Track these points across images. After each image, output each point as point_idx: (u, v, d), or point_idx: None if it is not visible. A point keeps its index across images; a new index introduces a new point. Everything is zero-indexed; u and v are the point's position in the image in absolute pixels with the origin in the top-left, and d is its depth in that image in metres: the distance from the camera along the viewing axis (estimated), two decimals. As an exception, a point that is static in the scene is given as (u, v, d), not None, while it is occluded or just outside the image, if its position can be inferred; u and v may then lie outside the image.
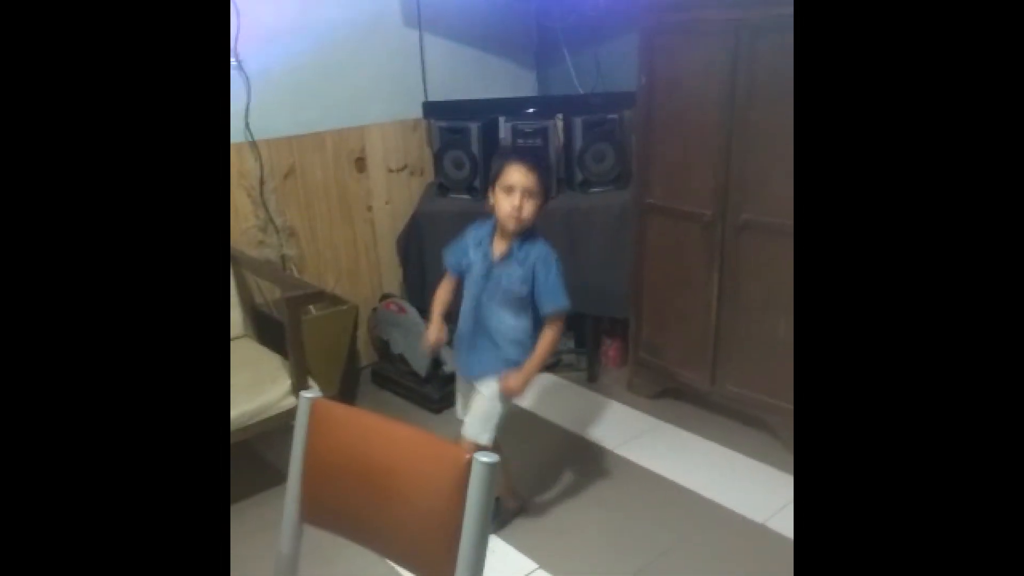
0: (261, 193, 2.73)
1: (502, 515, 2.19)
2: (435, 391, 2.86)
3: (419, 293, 3.01)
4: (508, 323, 1.95)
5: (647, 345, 2.84)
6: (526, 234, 1.92)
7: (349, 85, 2.92)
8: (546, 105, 3.11)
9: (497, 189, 1.89)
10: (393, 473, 1.09)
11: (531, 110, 3.03)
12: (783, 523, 2.15)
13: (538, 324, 1.96)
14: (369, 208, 3.09)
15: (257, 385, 2.19)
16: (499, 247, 1.93)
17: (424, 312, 2.89)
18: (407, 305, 2.92)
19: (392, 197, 3.14)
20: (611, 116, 2.88)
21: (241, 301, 2.63)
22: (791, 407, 2.39)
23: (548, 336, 1.94)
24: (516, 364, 1.94)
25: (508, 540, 2.13)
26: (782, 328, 2.37)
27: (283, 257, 2.84)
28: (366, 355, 3.18)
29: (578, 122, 2.88)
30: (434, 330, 2.02)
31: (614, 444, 2.60)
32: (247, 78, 2.61)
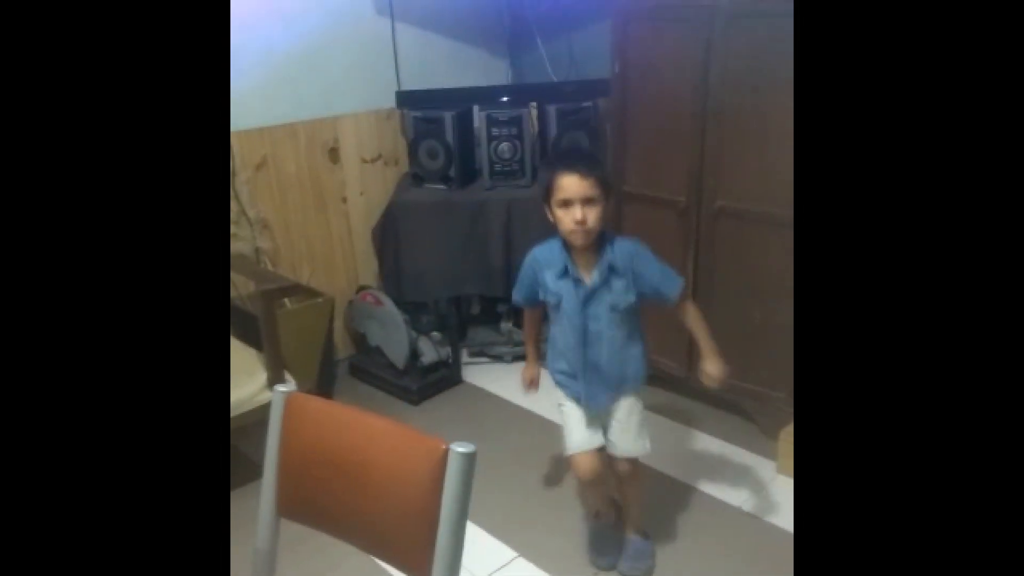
0: (233, 185, 2.70)
1: (639, 551, 2.00)
2: (413, 383, 2.85)
3: (395, 284, 3.00)
4: (618, 342, 1.81)
5: (624, 333, 2.84)
6: (601, 239, 1.74)
7: (321, 75, 2.89)
8: (520, 93, 3.11)
9: (553, 205, 1.70)
10: (369, 466, 1.09)
11: (505, 99, 3.02)
12: (760, 507, 2.18)
13: (641, 331, 1.88)
14: (343, 199, 3.06)
15: (233, 379, 2.17)
16: (587, 269, 1.75)
17: (400, 304, 2.89)
18: (383, 297, 2.90)
19: (367, 188, 3.12)
20: (585, 104, 2.88)
21: (215, 295, 2.60)
22: (767, 392, 2.42)
23: (694, 312, 1.87)
24: (639, 379, 1.88)
25: (486, 529, 2.14)
26: (757, 314, 2.39)
27: (257, 250, 2.81)
28: (343, 348, 3.16)
29: (552, 110, 2.88)
30: (530, 370, 1.98)
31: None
32: (217, 69, 2.57)
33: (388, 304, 2.87)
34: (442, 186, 2.95)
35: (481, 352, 3.14)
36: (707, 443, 2.52)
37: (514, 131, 2.88)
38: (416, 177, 2.99)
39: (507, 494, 2.26)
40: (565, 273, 1.76)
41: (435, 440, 1.04)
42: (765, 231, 2.27)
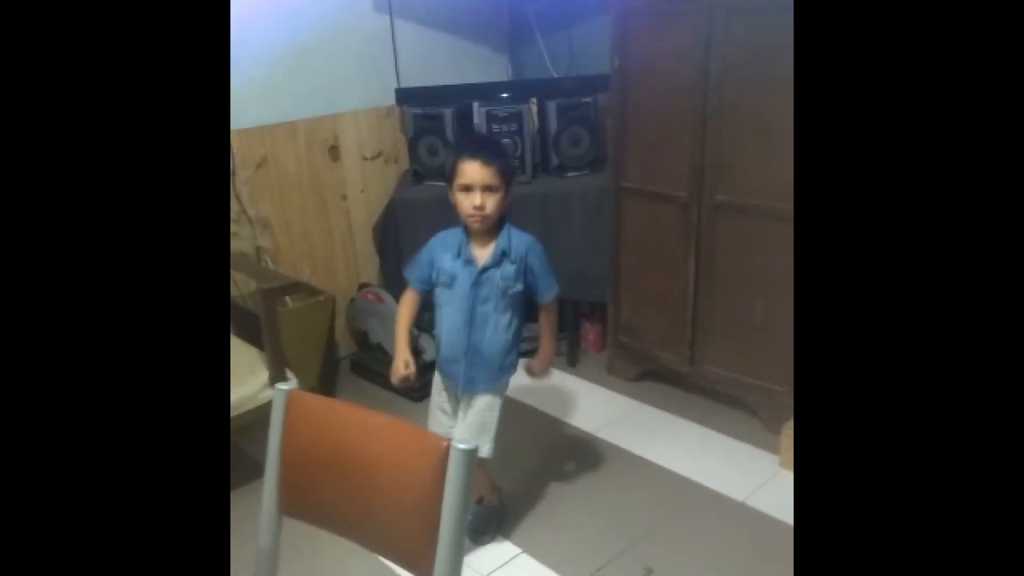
0: (234, 184, 2.70)
1: (485, 515, 2.11)
2: (415, 380, 2.85)
3: (396, 281, 2.99)
4: (502, 326, 1.86)
5: (626, 328, 2.85)
6: (500, 226, 1.82)
7: (321, 73, 2.88)
8: (520, 89, 3.10)
9: (455, 189, 1.78)
10: (371, 463, 1.08)
11: (505, 95, 3.01)
12: (763, 501, 2.18)
13: (521, 320, 1.91)
14: (344, 197, 3.06)
15: (235, 378, 2.17)
16: (481, 251, 1.82)
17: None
18: (384, 294, 2.90)
19: (367, 185, 3.11)
20: (585, 100, 2.87)
21: (216, 294, 2.61)
22: (768, 386, 2.42)
23: (552, 319, 1.95)
24: (507, 370, 1.91)
25: (491, 526, 2.14)
26: (759, 308, 2.38)
27: (257, 249, 2.81)
28: (345, 345, 3.16)
29: (552, 106, 2.87)
30: (402, 362, 1.90)
31: (595, 427, 2.61)
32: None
33: (389, 301, 2.87)
34: (442, 183, 2.93)
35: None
36: (709, 437, 2.52)
37: (514, 127, 2.87)
38: (416, 174, 2.99)
39: (509, 490, 2.26)
40: (459, 254, 1.83)
41: (437, 436, 1.03)
42: (766, 225, 2.26)
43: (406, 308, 1.95)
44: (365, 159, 3.09)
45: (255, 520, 1.23)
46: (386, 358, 2.93)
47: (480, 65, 3.38)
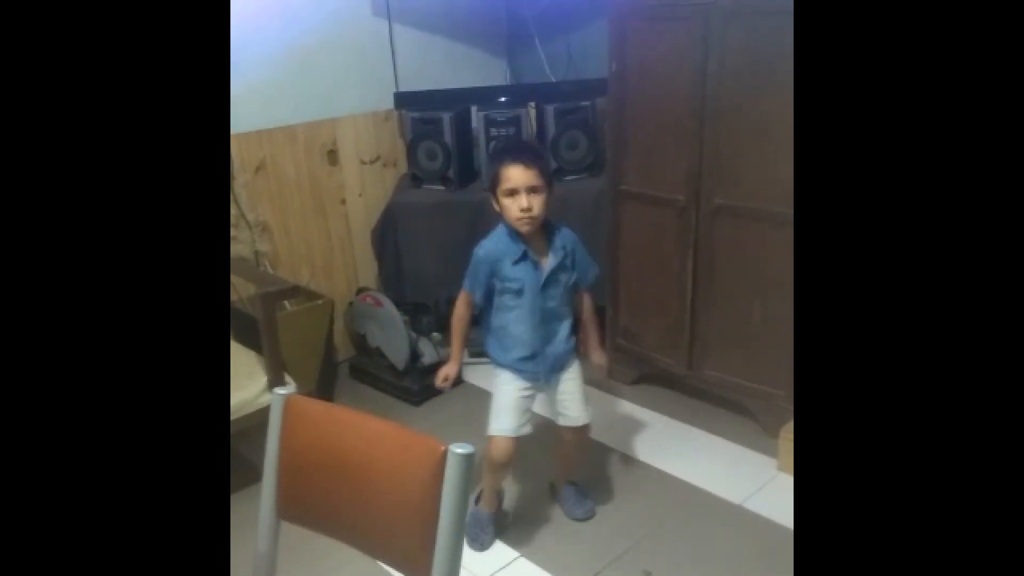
0: (232, 188, 2.70)
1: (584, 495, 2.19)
2: (414, 383, 2.85)
3: (395, 286, 3.00)
4: (566, 315, 1.97)
5: (624, 331, 2.85)
6: (548, 225, 1.90)
7: (319, 77, 2.89)
8: (518, 93, 3.11)
9: (500, 195, 1.83)
10: (369, 467, 1.09)
11: (503, 99, 3.02)
12: (761, 504, 2.18)
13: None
14: (343, 201, 3.06)
15: (234, 382, 2.17)
16: (541, 253, 1.89)
17: (400, 305, 2.89)
18: (383, 298, 2.90)
19: (366, 189, 3.12)
20: (583, 103, 2.88)
21: (215, 298, 2.61)
22: (767, 390, 2.42)
23: (592, 303, 2.06)
24: (575, 345, 2.01)
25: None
26: (757, 311, 2.39)
27: (256, 253, 2.81)
28: (344, 349, 3.16)
29: (550, 110, 2.88)
30: (454, 366, 2.02)
31: (593, 431, 2.60)
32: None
33: (388, 305, 2.87)
34: (441, 187, 2.95)
35: (481, 352, 3.12)
36: (708, 441, 2.52)
37: (512, 131, 2.88)
38: (415, 178, 2.99)
39: (509, 494, 2.26)
40: (523, 258, 1.86)
41: (433, 441, 1.04)
42: (764, 229, 2.27)
43: (462, 309, 2.00)
44: (364, 163, 3.10)
45: (254, 524, 1.23)
46: (384, 362, 2.94)
47: (478, 69, 3.39)
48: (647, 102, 2.49)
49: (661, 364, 2.76)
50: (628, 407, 2.76)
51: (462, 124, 2.96)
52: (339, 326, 3.08)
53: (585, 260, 1.97)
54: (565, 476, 2.20)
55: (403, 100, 3.03)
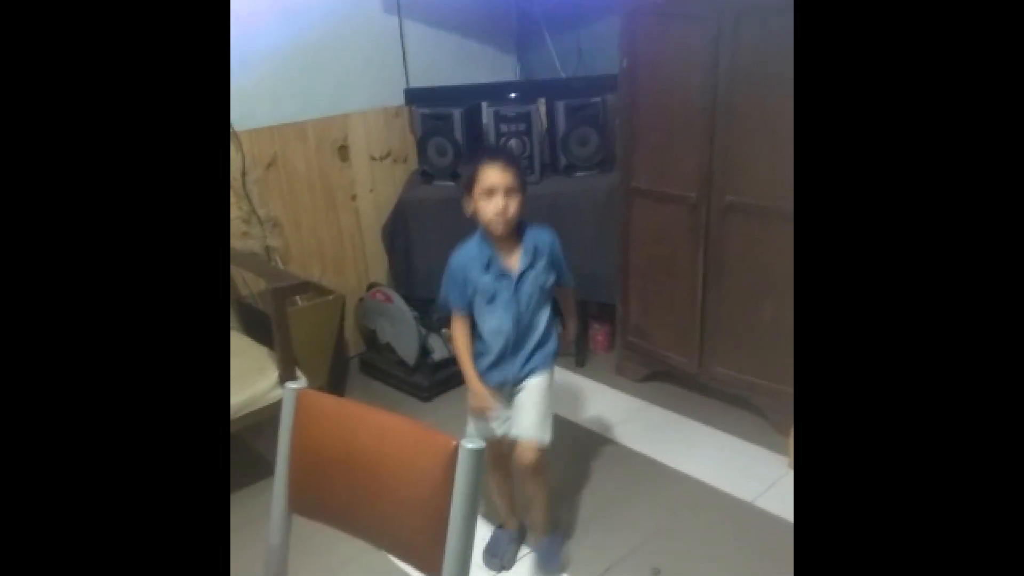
0: (244, 184, 2.71)
1: (551, 549, 2.05)
2: (424, 379, 2.86)
3: (405, 281, 3.01)
4: (543, 317, 1.89)
5: (634, 329, 2.84)
6: (520, 229, 1.83)
7: (330, 73, 2.90)
8: (528, 89, 3.10)
9: (476, 195, 1.78)
10: (380, 462, 1.09)
11: (513, 95, 3.02)
12: (772, 502, 2.17)
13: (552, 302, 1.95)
14: (353, 197, 3.07)
15: (245, 377, 2.19)
16: (511, 259, 1.82)
17: (411, 300, 2.90)
18: (393, 294, 2.91)
19: (376, 185, 3.12)
20: (594, 100, 2.87)
21: (226, 293, 2.62)
22: (777, 387, 2.41)
23: (573, 300, 2.04)
24: (551, 353, 1.91)
25: (498, 526, 2.14)
26: (768, 309, 2.38)
27: (267, 248, 2.82)
28: (354, 345, 3.17)
29: (561, 106, 2.87)
30: (479, 397, 1.86)
31: (603, 428, 2.62)
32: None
33: (398, 301, 2.88)
34: (451, 183, 2.95)
35: (491, 349, 3.14)
36: (718, 439, 2.51)
37: (522, 127, 2.87)
38: (425, 174, 2.99)
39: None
40: (490, 265, 1.81)
41: (445, 436, 1.04)
42: (775, 226, 2.26)
43: (463, 337, 1.89)
44: (374, 159, 3.10)
45: (265, 518, 1.23)
46: (395, 357, 2.94)
47: (489, 65, 3.38)
48: (658, 98, 2.49)
49: (671, 361, 2.75)
50: (638, 404, 2.76)
51: (472, 120, 2.95)
52: (350, 322, 3.09)
53: (563, 263, 1.91)
54: (534, 523, 2.05)
55: (413, 96, 3.03)
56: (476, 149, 2.81)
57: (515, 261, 1.83)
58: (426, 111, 2.93)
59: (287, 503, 1.21)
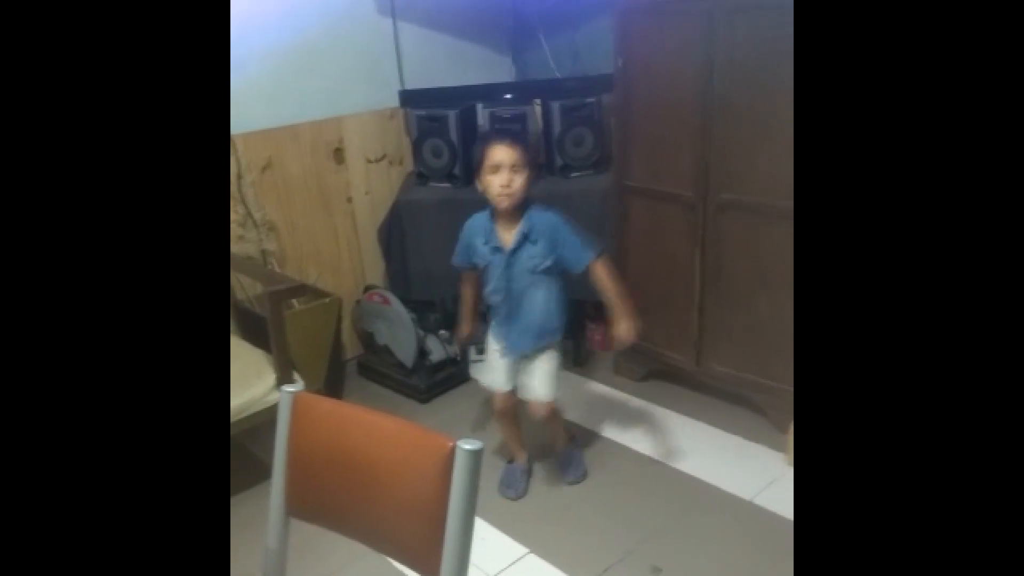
0: (239, 188, 2.71)
1: (571, 459, 2.34)
2: (422, 381, 2.86)
3: (402, 283, 3.00)
4: (539, 300, 2.02)
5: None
6: (524, 208, 1.96)
7: (324, 76, 2.89)
8: (523, 90, 3.09)
9: (484, 174, 1.93)
10: (377, 464, 1.09)
11: (508, 96, 3.01)
12: (771, 500, 2.17)
13: (564, 289, 2.07)
14: (349, 199, 3.07)
15: (242, 380, 2.18)
16: (506, 235, 1.98)
17: (408, 302, 2.89)
18: (391, 296, 2.91)
19: (372, 188, 3.12)
20: (589, 100, 2.87)
21: (223, 297, 2.62)
22: (776, 385, 2.41)
23: (606, 274, 2.00)
24: (558, 331, 2.09)
25: (498, 526, 2.14)
26: (765, 307, 2.38)
27: (263, 252, 2.81)
28: (351, 347, 3.17)
29: (556, 106, 2.87)
30: (465, 326, 2.22)
31: (601, 427, 2.61)
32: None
33: (395, 303, 2.87)
34: (447, 184, 2.95)
35: (484, 350, 3.13)
36: (717, 436, 2.51)
37: (518, 128, 2.87)
38: (421, 176, 2.99)
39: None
40: (487, 240, 2.01)
41: (442, 437, 1.04)
42: (772, 224, 2.26)
43: (466, 290, 2.18)
44: (369, 161, 3.10)
45: (263, 521, 1.23)
46: (392, 359, 2.94)
47: (484, 66, 3.38)
48: (653, 97, 2.49)
49: (669, 360, 2.75)
50: (637, 403, 2.76)
51: (468, 121, 2.95)
52: (347, 324, 3.08)
53: (571, 246, 1.98)
54: (555, 443, 2.35)
55: (408, 98, 3.03)
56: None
57: (510, 238, 1.98)
58: (421, 113, 2.93)
59: (284, 506, 1.21)
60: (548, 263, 1.98)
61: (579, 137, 2.88)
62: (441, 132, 2.89)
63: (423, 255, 2.94)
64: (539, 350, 2.09)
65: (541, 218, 1.98)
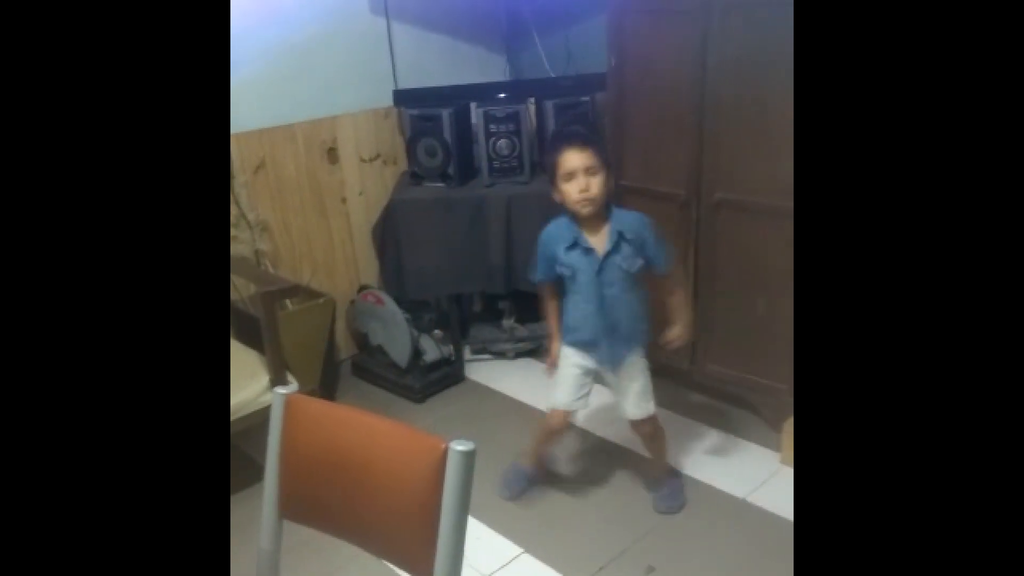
0: (232, 188, 2.70)
1: (671, 487, 2.21)
2: (416, 381, 2.85)
3: (396, 283, 3.00)
4: (633, 302, 1.94)
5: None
6: (608, 210, 1.87)
7: (318, 76, 2.88)
8: (517, 89, 3.10)
9: (559, 182, 1.83)
10: (370, 466, 1.09)
11: (502, 95, 3.01)
12: (765, 498, 2.17)
13: (645, 289, 1.98)
14: (343, 199, 3.06)
15: (236, 382, 2.17)
16: (597, 239, 1.87)
17: (402, 302, 2.89)
18: (385, 296, 2.90)
19: (366, 187, 3.12)
20: (583, 99, 2.87)
21: (216, 298, 2.61)
22: (770, 384, 2.41)
23: (680, 279, 1.99)
24: (645, 335, 2.01)
25: (492, 526, 2.14)
26: (759, 305, 2.38)
27: (257, 252, 2.81)
28: (346, 348, 3.17)
29: (550, 105, 2.87)
30: (555, 344, 2.05)
31: (596, 426, 2.61)
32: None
33: (389, 303, 2.87)
34: (441, 184, 2.95)
35: (483, 349, 3.14)
36: (711, 435, 2.52)
37: (512, 127, 2.87)
38: (415, 175, 2.99)
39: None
40: (574, 245, 1.87)
41: (434, 439, 1.04)
42: (766, 222, 2.26)
43: (552, 303, 2.03)
44: (363, 161, 3.09)
45: (257, 523, 1.23)
46: (387, 359, 2.94)
47: (477, 65, 3.38)
48: (647, 96, 2.49)
49: (664, 359, 2.75)
50: (631, 402, 2.75)
51: (461, 121, 2.95)
52: (341, 324, 3.08)
53: (657, 242, 1.91)
54: (655, 466, 2.24)
55: (402, 97, 3.02)
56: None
57: (601, 241, 1.86)
58: (415, 112, 2.92)
59: (277, 508, 1.21)
60: (640, 263, 1.90)
61: (586, 128, 2.88)
62: (435, 131, 2.89)
63: (417, 255, 2.94)
64: (630, 361, 2.01)
65: (628, 217, 1.90)
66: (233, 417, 2.12)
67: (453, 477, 1.01)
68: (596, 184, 1.80)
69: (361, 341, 3.09)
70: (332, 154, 2.98)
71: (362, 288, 3.07)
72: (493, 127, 2.87)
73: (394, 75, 3.09)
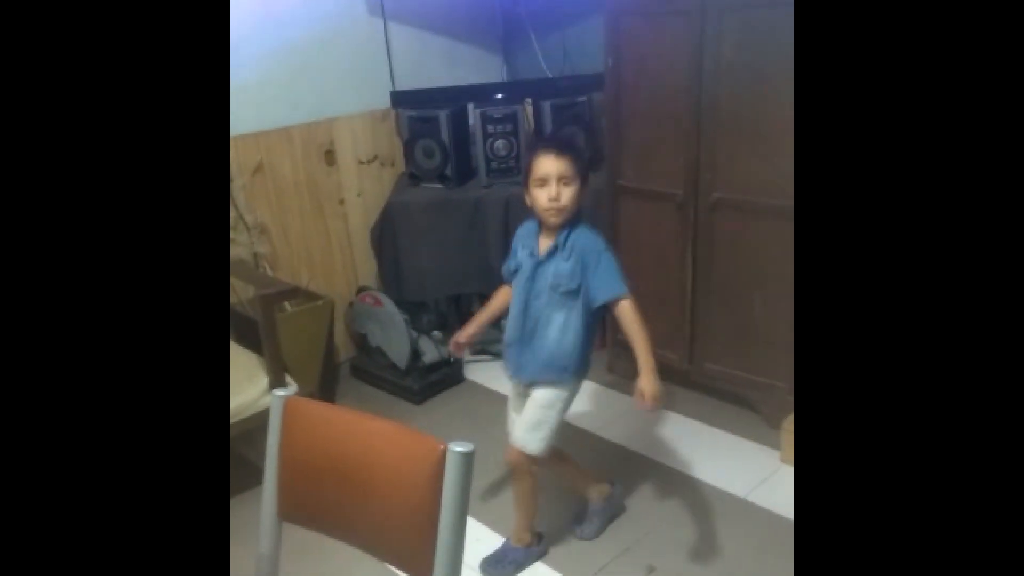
0: (230, 191, 2.70)
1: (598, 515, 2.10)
2: (415, 382, 2.86)
3: (394, 285, 3.00)
4: (556, 324, 1.80)
5: (625, 327, 2.84)
6: (572, 223, 1.77)
7: (315, 78, 2.89)
8: (514, 90, 3.10)
9: (531, 185, 1.76)
10: (369, 467, 1.09)
11: (499, 95, 3.02)
12: (764, 496, 2.18)
13: (590, 324, 1.83)
14: (341, 201, 3.06)
15: (234, 385, 2.17)
16: (544, 243, 1.80)
17: (400, 304, 2.89)
18: (383, 297, 2.90)
19: (364, 189, 3.12)
20: (580, 99, 2.88)
21: (215, 300, 2.61)
22: (769, 382, 2.42)
23: (633, 317, 1.77)
24: (566, 370, 1.83)
25: (491, 526, 2.14)
26: (757, 305, 2.38)
27: (255, 255, 2.81)
28: (344, 349, 3.17)
29: (547, 106, 2.87)
30: (463, 332, 1.95)
31: (596, 426, 2.61)
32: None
33: (388, 305, 2.87)
34: (439, 185, 2.95)
35: (482, 350, 3.13)
36: (710, 434, 2.52)
37: (509, 128, 2.88)
38: (413, 177, 2.99)
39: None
40: (527, 245, 1.84)
41: (433, 440, 1.04)
42: (763, 222, 2.27)
43: (494, 300, 1.96)
44: (361, 163, 3.10)
45: (256, 526, 1.23)
46: (385, 361, 2.94)
47: (474, 66, 3.38)
48: (644, 97, 2.49)
49: (662, 358, 2.73)
50: (629, 402, 2.75)
51: (459, 122, 2.95)
52: (339, 326, 3.08)
53: (599, 273, 1.75)
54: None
55: (399, 99, 3.03)
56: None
57: (545, 248, 1.80)
58: (412, 113, 2.93)
59: (276, 511, 1.21)
60: (571, 286, 1.76)
61: (571, 136, 2.89)
62: (432, 133, 2.89)
63: (415, 256, 2.94)
64: (545, 384, 1.85)
65: (581, 236, 1.77)
66: (232, 420, 2.12)
67: (452, 478, 1.01)
68: (567, 194, 1.72)
69: (360, 343, 3.09)
70: (330, 156, 2.99)
71: (360, 290, 3.07)
72: (490, 128, 2.88)
73: (391, 76, 3.10)
